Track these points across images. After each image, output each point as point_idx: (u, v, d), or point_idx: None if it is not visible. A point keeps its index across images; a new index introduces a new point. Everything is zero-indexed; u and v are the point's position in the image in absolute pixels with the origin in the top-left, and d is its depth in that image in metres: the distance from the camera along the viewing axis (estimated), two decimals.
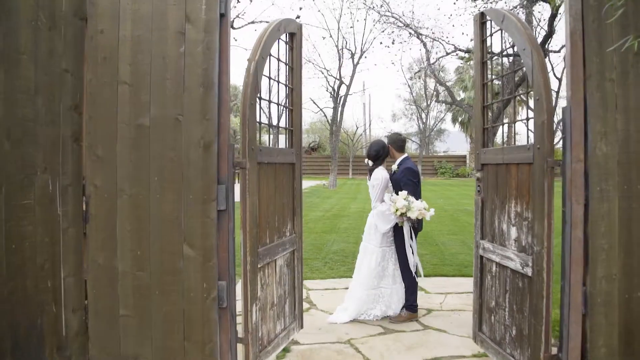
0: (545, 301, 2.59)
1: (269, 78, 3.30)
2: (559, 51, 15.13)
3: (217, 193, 2.74)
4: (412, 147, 42.46)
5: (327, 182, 27.55)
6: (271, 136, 38.88)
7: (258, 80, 3.01)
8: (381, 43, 14.94)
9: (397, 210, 4.15)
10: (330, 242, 9.26)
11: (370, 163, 4.64)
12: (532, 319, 2.71)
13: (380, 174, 4.50)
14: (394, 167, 4.61)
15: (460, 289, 5.85)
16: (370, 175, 4.61)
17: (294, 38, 3.70)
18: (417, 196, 4.34)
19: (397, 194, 4.28)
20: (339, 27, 24.35)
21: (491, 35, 3.33)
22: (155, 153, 2.79)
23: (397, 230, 4.44)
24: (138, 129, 2.79)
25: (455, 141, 48.54)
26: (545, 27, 11.89)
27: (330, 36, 23.71)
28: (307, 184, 30.68)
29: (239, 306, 2.99)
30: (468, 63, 41.10)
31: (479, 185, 3.40)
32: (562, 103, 28.68)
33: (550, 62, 17.55)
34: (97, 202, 2.83)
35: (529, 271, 2.73)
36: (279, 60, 3.45)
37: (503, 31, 3.08)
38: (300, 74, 3.77)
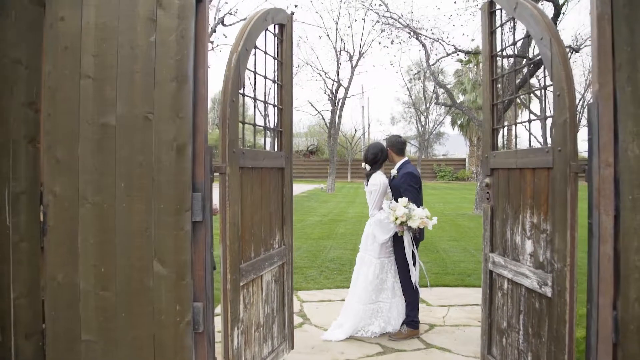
0: (567, 327, 2.25)
1: (255, 73, 2.97)
2: (570, 47, 14.82)
3: (192, 202, 2.40)
4: (411, 150, 42.16)
5: (325, 185, 27.21)
6: (268, 139, 38.45)
7: (241, 75, 2.68)
8: (379, 43, 14.65)
9: (396, 218, 3.81)
10: (327, 249, 8.91)
11: (368, 167, 4.30)
12: (552, 346, 2.36)
13: (379, 179, 4.16)
14: (394, 171, 4.27)
15: (463, 301, 5.50)
16: (368, 180, 4.27)
17: (284, 30, 3.37)
18: (419, 203, 4.00)
19: (397, 201, 3.94)
20: (337, 29, 24.07)
21: (501, 25, 3.00)
22: (122, 156, 2.44)
23: (397, 239, 4.10)
24: (103, 129, 2.45)
25: (454, 144, 48.25)
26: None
27: (327, 35, 23.34)
28: (304, 187, 30.34)
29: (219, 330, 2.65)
30: (467, 66, 40.96)
31: (487, 192, 3.06)
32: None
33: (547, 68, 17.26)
34: (57, 211, 2.48)
35: (547, 291, 2.39)
36: (266, 53, 3.11)
37: (515, 20, 2.76)
38: (291, 69, 3.44)
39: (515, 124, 2.79)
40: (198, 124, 2.46)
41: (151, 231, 2.42)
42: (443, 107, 41.05)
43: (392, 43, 14.15)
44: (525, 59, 12.38)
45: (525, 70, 12.34)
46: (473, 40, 13.75)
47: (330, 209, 16.84)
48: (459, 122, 41.31)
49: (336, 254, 8.44)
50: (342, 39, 24.72)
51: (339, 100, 25.48)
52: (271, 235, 3.18)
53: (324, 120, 28.65)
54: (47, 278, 2.50)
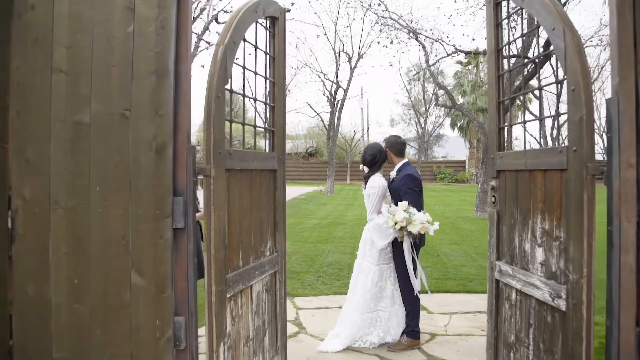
0: (584, 344, 2.05)
1: (244, 68, 2.77)
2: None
3: (173, 207, 2.20)
4: (410, 152, 41.98)
5: (324, 188, 27.00)
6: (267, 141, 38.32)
7: (227, 69, 2.48)
8: (379, 43, 14.45)
9: (395, 223, 3.61)
10: (325, 253, 8.71)
11: (366, 169, 4.10)
12: None
13: (377, 181, 3.96)
14: (393, 173, 4.07)
15: (466, 308, 5.29)
16: (366, 183, 4.07)
17: (276, 23, 3.17)
18: (419, 207, 3.80)
19: (396, 205, 3.74)
20: (335, 30, 23.90)
21: (508, 17, 2.80)
22: (97, 157, 2.24)
23: (397, 245, 3.89)
24: (76, 128, 2.25)
25: (454, 146, 48.08)
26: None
27: (325, 34, 23.13)
28: (303, 190, 30.12)
29: (203, 346, 2.44)
30: (467, 68, 40.83)
31: (493, 196, 2.86)
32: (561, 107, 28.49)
33: (552, 65, 17.08)
34: (26, 217, 2.28)
35: (561, 304, 2.19)
36: (256, 47, 2.91)
37: (524, 11, 2.56)
38: (283, 65, 3.24)
39: (525, 122, 2.59)
40: (180, 122, 2.26)
41: (128, 239, 2.22)
42: (443, 109, 40.92)
43: (391, 43, 13.98)
44: (525, 59, 12.19)
45: (531, 65, 12.15)
46: (474, 40, 13.58)
47: (328, 211, 16.64)
48: (458, 124, 41.15)
49: (334, 258, 8.24)
50: (340, 40, 24.52)
51: (338, 101, 25.30)
52: (262, 242, 2.97)
53: (323, 122, 28.47)
54: (15, 291, 2.30)
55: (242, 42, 2.70)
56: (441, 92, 23.80)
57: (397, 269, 3.97)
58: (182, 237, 2.25)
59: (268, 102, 3.13)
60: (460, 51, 12.10)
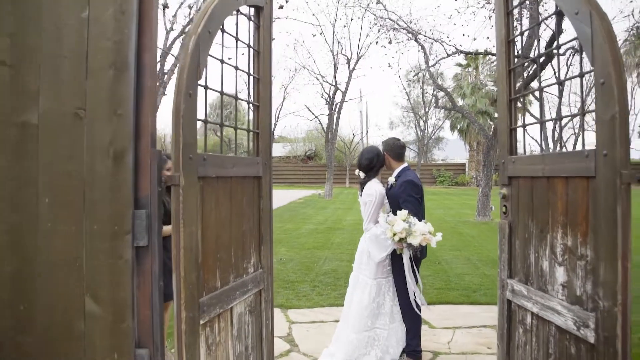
0: None
1: (222, 62, 2.45)
2: (564, 53, 14.36)
3: (134, 222, 1.88)
4: (410, 155, 41.69)
5: (322, 191, 26.67)
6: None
7: (200, 62, 2.16)
8: (377, 43, 14.14)
9: (394, 234, 3.28)
10: (322, 261, 8.37)
11: (362, 175, 3.77)
12: None
13: (374, 188, 3.64)
14: (391, 179, 3.74)
15: (470, 322, 4.96)
16: (362, 189, 3.75)
17: (261, 13, 2.85)
18: (420, 216, 3.48)
19: (395, 214, 3.42)
20: (333, 32, 23.61)
21: (521, 3, 2.49)
22: (45, 164, 1.92)
23: (396, 257, 3.57)
24: (22, 130, 1.93)
25: (453, 149, 47.81)
26: (552, 26, 11.10)
27: (321, 33, 22.84)
28: (302, 193, 29.78)
29: None
30: (466, 70, 40.58)
31: (504, 206, 2.53)
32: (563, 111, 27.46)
33: (553, 67, 16.77)
34: None
35: (589, 335, 1.86)
36: (237, 39, 2.60)
37: None
38: (270, 60, 2.93)
39: (542, 122, 2.25)
40: (143, 123, 1.94)
41: (82, 260, 1.90)
42: (442, 111, 40.66)
43: (389, 43, 13.67)
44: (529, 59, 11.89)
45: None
46: (475, 39, 13.26)
47: (326, 216, 16.31)
48: (458, 127, 40.87)
49: (331, 266, 7.91)
50: (339, 42, 24.23)
51: (337, 104, 25.00)
52: (244, 258, 2.65)
53: (321, 124, 28.18)
54: None
55: (219, 33, 2.38)
56: (441, 94, 23.49)
57: (396, 284, 3.64)
58: (145, 256, 1.93)
59: (252, 101, 2.80)
60: (461, 51, 11.80)
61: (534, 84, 12.25)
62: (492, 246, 9.87)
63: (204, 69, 2.21)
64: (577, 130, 30.30)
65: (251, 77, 2.76)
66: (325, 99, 25.39)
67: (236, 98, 2.55)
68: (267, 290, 2.88)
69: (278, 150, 47.29)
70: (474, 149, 41.00)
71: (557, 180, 2.07)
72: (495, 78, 37.58)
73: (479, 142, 40.43)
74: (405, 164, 3.79)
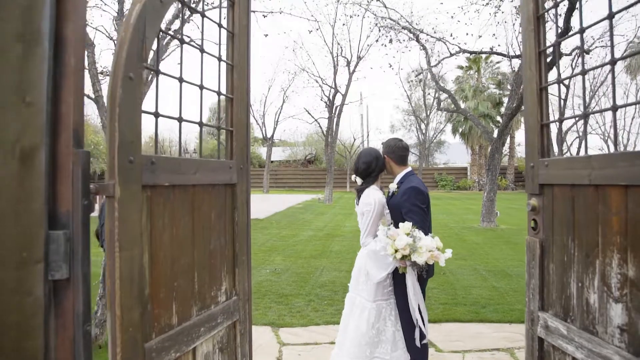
0: None
1: (181, 42, 1.96)
2: (570, 54, 13.88)
3: (49, 247, 1.40)
4: (411, 159, 41.21)
5: (322, 196, 26.17)
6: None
7: (146, 38, 1.68)
8: (377, 41, 13.65)
9: (396, 251, 2.79)
10: (319, 271, 7.87)
11: (359, 181, 3.29)
12: None
13: (373, 196, 3.14)
14: (393, 186, 3.25)
15: (481, 344, 4.46)
16: (359, 198, 3.26)
17: None
18: (427, 229, 2.98)
19: (397, 226, 2.92)
20: (333, 33, 23.17)
21: None
22: None
23: (398, 276, 3.07)
24: None
25: (455, 153, 47.33)
26: (560, 23, 10.62)
27: (318, 29, 22.36)
28: (301, 198, 29.29)
29: None
30: (468, 72, 40.15)
31: (534, 220, 2.04)
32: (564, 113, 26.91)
33: (558, 68, 16.23)
34: None
35: None
36: (203, 16, 2.12)
37: None
38: (247, 44, 2.45)
39: (587, 115, 1.75)
40: (63, 114, 1.46)
41: None
42: (444, 115, 40.22)
43: (390, 42, 13.20)
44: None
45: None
46: (480, 37, 12.76)
47: (326, 221, 15.80)
48: (460, 130, 40.39)
49: (329, 277, 7.40)
50: (339, 44, 23.80)
51: (337, 107, 24.55)
52: (213, 284, 2.15)
53: (321, 128, 27.72)
54: None
55: (177, 4, 1.90)
56: (443, 96, 23.02)
57: (399, 306, 3.14)
58: (64, 293, 1.45)
59: (225, 92, 2.32)
60: (465, 50, 11.33)
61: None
62: (499, 255, 9.37)
63: (157, 50, 1.73)
64: (580, 133, 29.81)
65: (223, 64, 2.27)
66: (325, 102, 24.94)
67: (201, 87, 2.06)
68: (244, 321, 2.39)
69: (278, 154, 46.86)
70: (476, 153, 40.50)
71: (610, 190, 1.58)
72: (497, 81, 36.82)
73: (481, 146, 39.95)
74: (409, 169, 3.30)
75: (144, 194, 1.66)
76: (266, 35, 9.19)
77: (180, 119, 1.94)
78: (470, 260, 8.81)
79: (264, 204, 23.19)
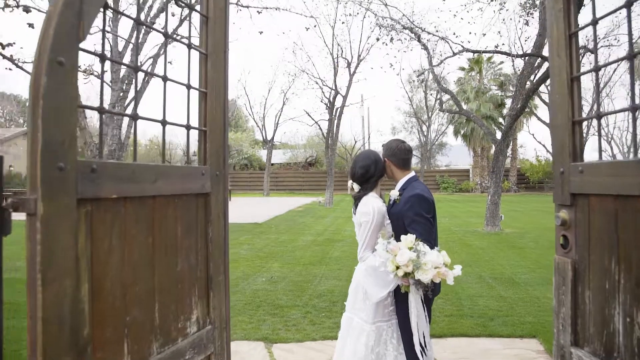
0: None
1: (137, 23, 1.62)
2: (585, 48, 13.51)
3: None
4: (412, 161, 40.87)
5: (323, 199, 25.81)
6: (280, 152, 37.00)
7: (83, 14, 1.34)
8: (377, 40, 13.29)
9: (397, 267, 2.45)
10: (317, 279, 7.52)
11: (356, 187, 2.95)
12: None
13: (371, 205, 2.80)
14: (394, 193, 2.90)
15: None
16: (356, 207, 2.92)
17: None
18: (433, 242, 2.64)
19: (399, 239, 2.57)
20: (333, 34, 22.85)
21: None
22: None
23: (401, 295, 2.72)
24: None
25: (457, 155, 46.94)
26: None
27: (315, 26, 22.04)
28: (302, 201, 28.93)
29: None
30: (469, 74, 39.81)
31: (564, 236, 1.70)
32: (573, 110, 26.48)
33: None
34: None
35: None
36: None
37: None
38: (225, 30, 2.11)
39: (636, 109, 1.40)
40: None
41: None
42: (445, 116, 39.89)
43: (391, 40, 12.85)
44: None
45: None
46: (484, 35, 12.43)
47: (326, 225, 15.45)
48: (461, 132, 40.04)
49: (327, 286, 7.05)
50: (339, 45, 23.48)
51: (337, 109, 24.22)
52: (181, 313, 1.81)
53: (321, 130, 27.39)
54: None
55: None
56: (445, 97, 22.69)
57: (401, 328, 2.79)
58: None
59: (199, 87, 1.98)
60: (468, 50, 10.99)
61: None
62: (505, 260, 9.01)
63: (136, 42, 1.40)
64: (585, 135, 29.44)
65: (194, 52, 1.93)
66: (326, 104, 24.61)
67: (165, 79, 1.72)
68: (221, 353, 2.04)
69: (279, 156, 46.57)
70: (478, 155, 40.14)
71: None
72: (499, 82, 36.40)
73: (483, 148, 39.61)
74: (413, 173, 2.95)
75: (81, 210, 1.32)
76: (261, 33, 8.86)
77: (133, 116, 1.60)
78: (475, 267, 8.45)
79: (263, 208, 22.85)
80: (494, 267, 8.44)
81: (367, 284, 2.72)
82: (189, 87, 1.88)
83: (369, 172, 2.86)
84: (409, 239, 2.49)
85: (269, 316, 5.57)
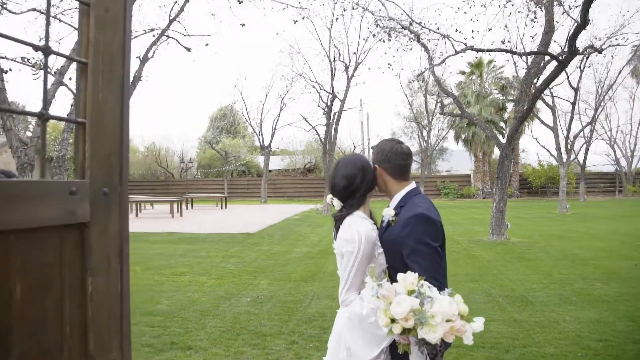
0: None
1: None
2: (583, 52, 12.83)
3: None
4: (412, 167, 40.19)
5: (321, 206, 25.06)
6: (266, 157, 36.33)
7: None
8: (374, 36, 12.59)
9: (392, 321, 1.71)
10: (309, 299, 6.77)
11: (336, 203, 2.21)
12: None
13: (357, 229, 2.05)
14: (389, 212, 2.16)
15: None
16: (337, 230, 2.18)
17: None
18: (443, 281, 1.91)
19: (394, 278, 1.83)
20: (330, 36, 22.20)
21: None
22: None
23: (398, 356, 1.97)
24: None
25: (458, 160, 46.24)
26: (576, 17, 9.60)
27: (305, 18, 21.32)
28: (300, 208, 28.15)
29: None
30: (470, 78, 39.14)
31: None
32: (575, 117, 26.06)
33: (566, 72, 15.13)
34: None
35: None
36: None
37: None
38: None
39: None
40: None
41: None
42: (446, 121, 39.21)
43: (389, 38, 12.14)
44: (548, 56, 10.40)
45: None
46: (490, 29, 11.72)
47: (322, 235, 14.69)
48: (463, 137, 39.30)
49: (318, 307, 6.30)
50: (335, 47, 22.82)
51: (335, 113, 23.53)
52: None
53: (319, 135, 26.70)
54: None
55: None
56: (446, 101, 22.03)
57: None
58: None
59: (77, 56, 1.25)
60: (472, 48, 10.29)
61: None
62: (515, 275, 8.25)
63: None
64: (588, 139, 28.73)
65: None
66: (323, 108, 23.93)
67: (47, 51, 1.00)
68: None
69: (277, 163, 45.89)
70: (480, 160, 39.39)
71: None
72: (500, 86, 35.74)
73: (484, 153, 38.88)
74: (413, 185, 2.21)
75: None
76: (243, 25, 8.17)
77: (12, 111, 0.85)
78: (482, 282, 7.69)
79: (259, 216, 22.11)
80: (503, 282, 7.68)
81: (352, 339, 1.98)
82: (45, 50, 1.15)
83: (354, 184, 2.12)
84: (409, 279, 1.75)
85: (249, 347, 4.82)
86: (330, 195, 2.23)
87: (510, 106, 37.28)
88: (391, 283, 1.80)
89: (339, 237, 2.11)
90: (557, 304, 6.31)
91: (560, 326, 5.35)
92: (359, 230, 2.01)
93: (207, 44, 12.47)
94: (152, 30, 10.88)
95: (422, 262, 1.86)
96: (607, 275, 8.02)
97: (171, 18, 14.15)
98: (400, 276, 1.76)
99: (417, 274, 1.77)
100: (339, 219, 2.16)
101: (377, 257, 2.05)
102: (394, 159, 2.15)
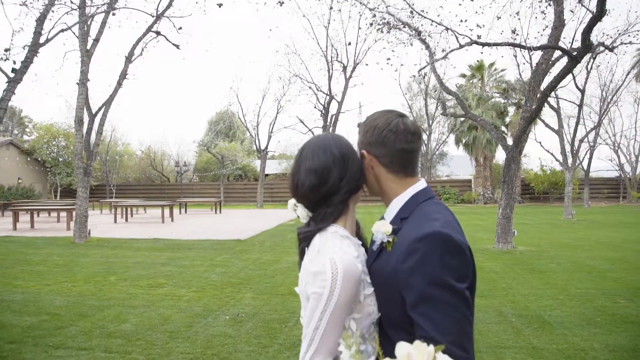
0: None
1: None
2: (603, 45, 12.08)
3: None
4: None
5: None
6: (274, 161, 35.66)
7: None
8: (371, 25, 11.85)
9: None
10: (295, 317, 5.94)
11: (302, 213, 1.42)
12: None
13: (329, 256, 1.24)
14: (382, 229, 1.34)
15: None
16: (301, 258, 1.39)
17: None
18: (471, 349, 1.10)
19: (392, 346, 1.03)
20: (327, 35, 21.47)
21: None
22: None
23: None
24: None
25: (458, 164, 45.46)
26: (592, 7, 8.83)
27: (308, 21, 20.64)
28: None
29: None
30: (471, 81, 38.45)
31: None
32: (581, 118, 25.28)
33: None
34: None
35: None
36: None
37: None
38: None
39: None
40: None
41: None
42: (446, 125, 38.48)
43: (388, 31, 11.40)
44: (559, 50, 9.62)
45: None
46: (499, 18, 10.96)
47: None
48: (463, 141, 38.53)
49: None
50: (333, 46, 22.07)
51: (332, 115, 22.76)
52: None
53: None
54: None
55: None
56: (448, 103, 21.25)
57: None
58: None
59: None
60: (477, 42, 9.53)
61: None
62: (526, 289, 7.44)
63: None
64: (592, 144, 27.98)
65: None
66: (320, 110, 23.16)
67: None
68: None
69: (274, 166, 45.08)
70: (481, 164, 38.61)
71: None
72: (501, 89, 34.98)
73: (485, 157, 38.12)
74: (422, 184, 1.38)
75: None
76: (220, 5, 7.41)
77: None
78: (492, 298, 6.88)
79: (252, 221, 21.26)
80: (515, 298, 6.87)
81: None
82: None
83: (328, 183, 1.31)
84: (416, 354, 0.95)
85: None
86: (292, 201, 1.44)
87: (512, 110, 36.56)
88: (383, 356, 1.01)
89: (303, 267, 1.32)
90: (580, 326, 5.50)
91: (588, 355, 4.54)
92: (333, 259, 1.19)
93: (206, 50, 11.76)
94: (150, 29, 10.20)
95: (438, 318, 1.07)
96: (631, 292, 7.21)
97: (158, 13, 13.41)
98: (401, 349, 0.96)
99: (432, 347, 0.97)
100: (305, 238, 1.36)
101: (362, 303, 1.24)
102: (393, 140, 1.33)
